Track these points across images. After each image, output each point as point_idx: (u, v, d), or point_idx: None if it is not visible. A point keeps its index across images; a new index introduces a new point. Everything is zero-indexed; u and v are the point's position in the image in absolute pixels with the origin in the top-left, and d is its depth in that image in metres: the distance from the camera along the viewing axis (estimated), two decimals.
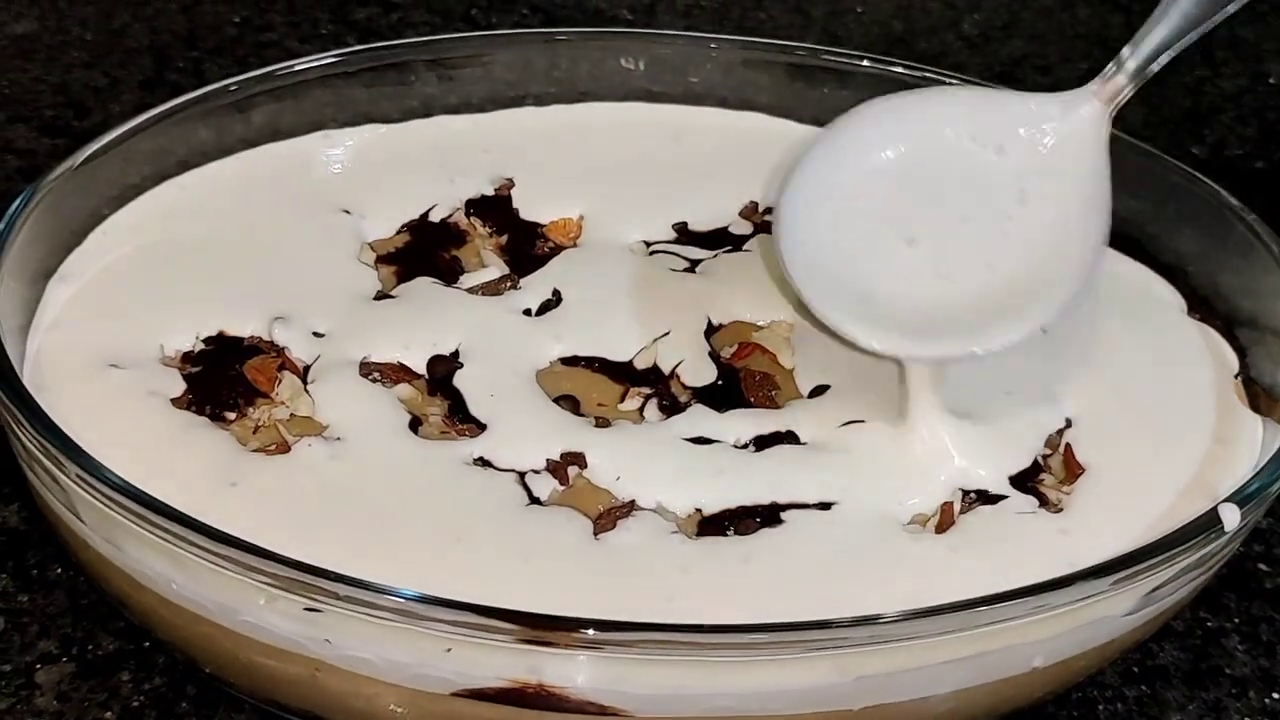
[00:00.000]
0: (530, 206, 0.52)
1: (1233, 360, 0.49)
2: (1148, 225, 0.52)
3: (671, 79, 0.55)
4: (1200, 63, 0.74)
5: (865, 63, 0.56)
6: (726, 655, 0.35)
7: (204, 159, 0.51)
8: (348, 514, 0.40)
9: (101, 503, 0.37)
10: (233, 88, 0.51)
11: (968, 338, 0.43)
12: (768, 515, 0.41)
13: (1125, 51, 0.44)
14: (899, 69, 0.56)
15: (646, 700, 0.36)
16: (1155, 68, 0.44)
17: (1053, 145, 0.45)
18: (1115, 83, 0.45)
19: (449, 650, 0.36)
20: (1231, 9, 0.43)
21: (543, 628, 0.35)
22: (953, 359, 0.43)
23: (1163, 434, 0.45)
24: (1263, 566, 0.49)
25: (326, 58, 0.53)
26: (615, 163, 0.53)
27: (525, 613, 0.35)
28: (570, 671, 0.36)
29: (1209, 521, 0.39)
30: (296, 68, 0.52)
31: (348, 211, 0.50)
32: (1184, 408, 0.46)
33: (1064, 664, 0.40)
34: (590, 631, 0.35)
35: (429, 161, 0.51)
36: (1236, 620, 0.47)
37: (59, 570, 0.45)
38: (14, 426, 0.39)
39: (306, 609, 0.36)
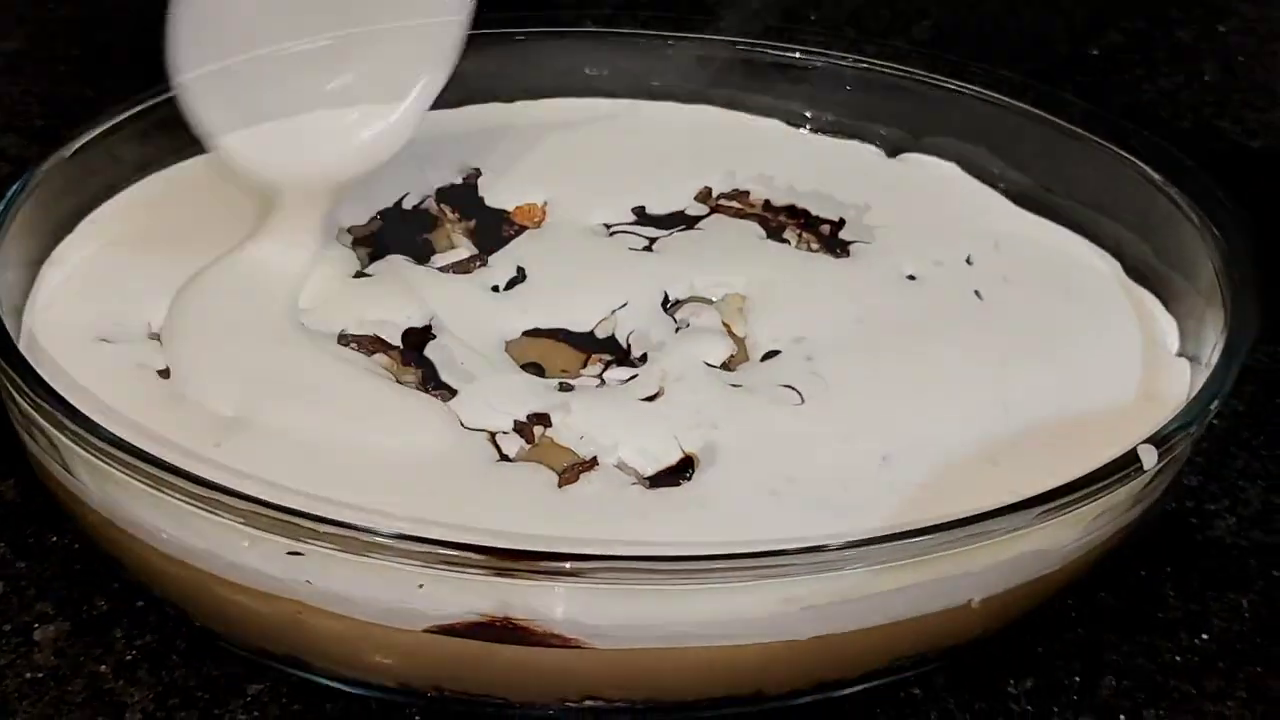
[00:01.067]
0: (497, 195, 0.55)
1: (1166, 323, 0.52)
2: (1084, 203, 0.56)
3: (629, 76, 0.59)
4: (1139, 63, 0.77)
5: (801, 55, 0.59)
6: (678, 582, 0.38)
7: (189, 153, 0.54)
8: (328, 468, 0.43)
9: (96, 457, 0.40)
10: None
11: None
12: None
13: None
14: (845, 63, 0.60)
15: (605, 631, 0.39)
16: None
17: None
18: None
19: (421, 586, 0.38)
20: None
21: (508, 558, 0.37)
22: None
23: (1092, 390, 0.48)
24: (1194, 520, 0.52)
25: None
26: (577, 153, 0.57)
27: (491, 546, 0.37)
28: (534, 605, 0.38)
29: (1129, 459, 0.42)
30: None
31: None
32: (1114, 365, 0.49)
33: (1000, 600, 0.42)
34: (552, 563, 0.37)
35: (401, 155, 0.54)
36: (1169, 569, 0.50)
37: (54, 539, 0.48)
38: (12, 392, 0.42)
39: (290, 553, 0.39)
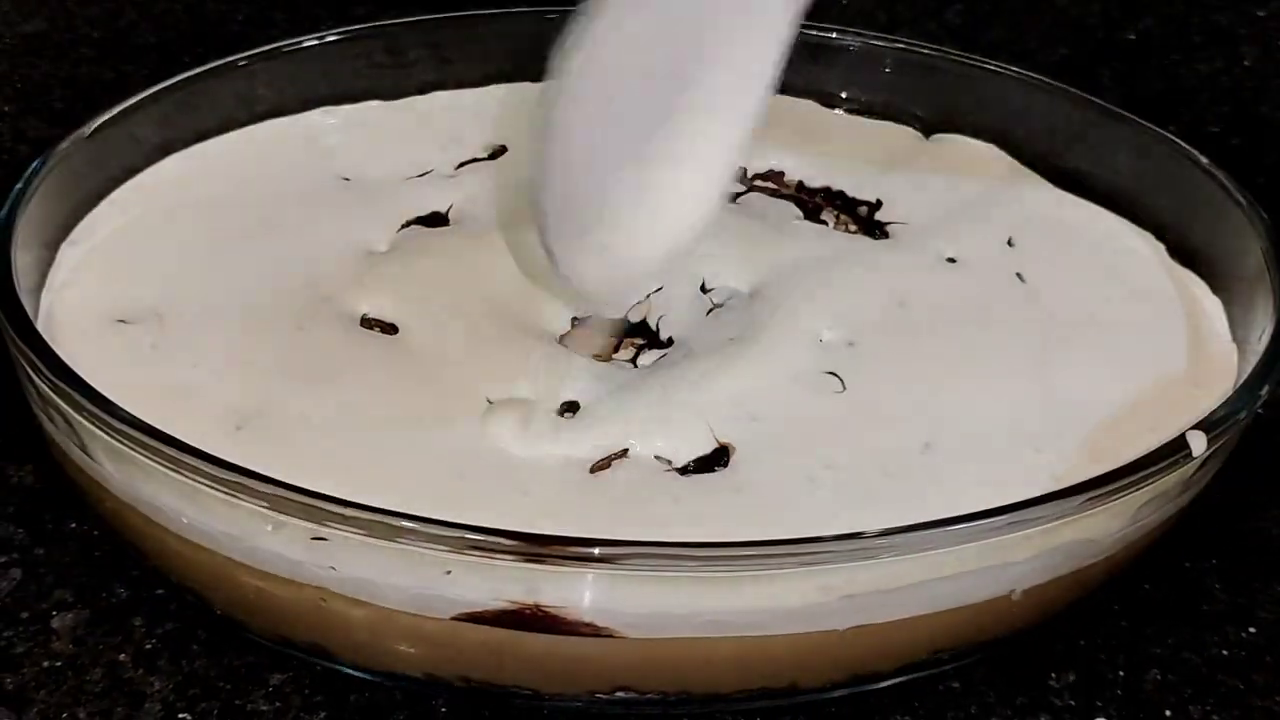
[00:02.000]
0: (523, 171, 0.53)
1: (1212, 307, 0.51)
2: (1124, 185, 0.54)
3: None
4: (1176, 47, 0.76)
5: (837, 35, 0.58)
6: (710, 570, 0.37)
7: (209, 133, 0.53)
8: (353, 452, 0.42)
9: (116, 440, 0.39)
10: (240, 63, 0.53)
11: None
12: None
13: None
14: (879, 42, 0.59)
15: (637, 620, 0.38)
16: None
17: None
18: None
19: (449, 573, 0.37)
20: None
21: (538, 544, 0.36)
22: None
23: (1137, 375, 0.47)
24: (1240, 510, 0.50)
25: (329, 36, 0.55)
26: None
27: (520, 532, 0.36)
28: (565, 592, 0.37)
29: (1178, 446, 0.40)
30: (304, 44, 0.54)
31: (347, 179, 0.52)
32: (1159, 349, 0.48)
33: (1042, 591, 0.41)
34: (582, 549, 0.36)
35: (424, 132, 0.54)
36: (1215, 561, 0.49)
37: (73, 525, 0.47)
38: (31, 374, 0.41)
39: (314, 538, 0.38)
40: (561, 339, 0.47)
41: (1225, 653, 0.45)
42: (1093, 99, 0.56)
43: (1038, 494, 0.39)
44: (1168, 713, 0.43)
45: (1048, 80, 0.57)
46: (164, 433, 0.38)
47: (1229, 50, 0.76)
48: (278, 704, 0.42)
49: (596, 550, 0.36)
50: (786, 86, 0.58)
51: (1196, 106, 0.72)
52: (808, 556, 0.37)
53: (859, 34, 0.59)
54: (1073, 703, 0.44)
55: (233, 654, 0.43)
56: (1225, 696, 0.44)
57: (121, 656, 0.43)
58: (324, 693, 0.42)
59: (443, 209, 0.52)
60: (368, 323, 0.47)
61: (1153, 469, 0.40)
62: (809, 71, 0.59)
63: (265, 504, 0.37)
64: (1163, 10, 0.78)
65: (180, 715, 0.41)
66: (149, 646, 0.43)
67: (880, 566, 0.38)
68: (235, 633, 0.43)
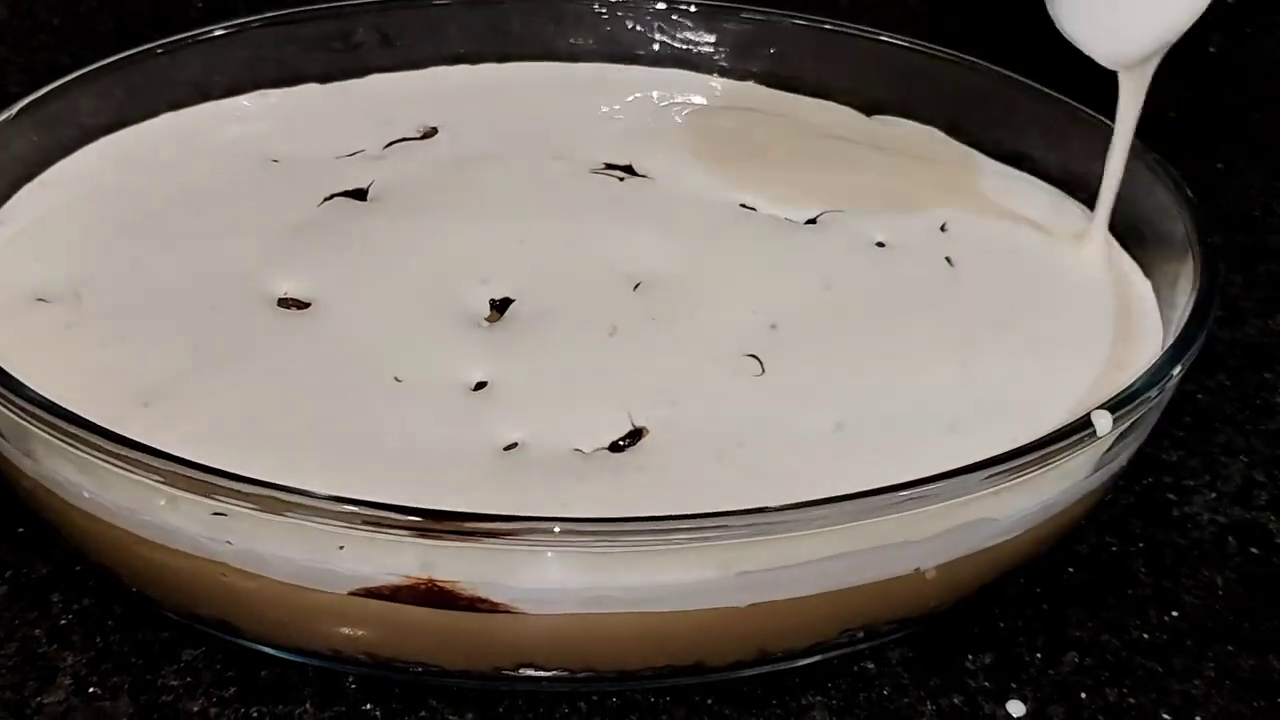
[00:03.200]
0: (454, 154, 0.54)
1: (1144, 288, 0.50)
2: (1061, 168, 0.55)
3: (597, 38, 0.58)
4: None
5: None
6: (601, 546, 0.37)
7: (139, 117, 0.53)
8: (258, 430, 0.42)
9: (18, 416, 0.39)
10: (170, 48, 0.53)
11: None
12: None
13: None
14: (827, 26, 0.59)
15: (532, 595, 0.38)
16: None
17: None
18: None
19: (341, 548, 0.37)
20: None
21: (428, 520, 0.36)
22: None
23: (1061, 357, 0.47)
24: (1171, 495, 0.50)
25: (256, 20, 0.56)
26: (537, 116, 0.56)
27: (409, 506, 0.36)
28: (458, 567, 0.37)
29: (1082, 425, 0.40)
30: (219, 32, 0.55)
31: (276, 161, 0.53)
32: (1085, 332, 0.48)
33: (952, 571, 0.41)
34: (471, 524, 0.36)
35: (359, 114, 0.54)
36: (1141, 545, 0.49)
37: None
38: None
39: (213, 513, 0.38)
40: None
41: (1146, 636, 0.45)
42: (1027, 81, 0.56)
43: (938, 471, 0.39)
44: (1083, 695, 0.43)
45: (983, 63, 0.57)
46: (63, 409, 0.38)
47: (1195, 37, 0.75)
48: (188, 679, 0.42)
49: (486, 525, 0.36)
50: (728, 70, 0.59)
51: (1157, 92, 0.71)
52: (697, 531, 0.37)
53: (808, 18, 0.59)
54: (987, 684, 0.43)
55: (146, 630, 0.43)
56: (1143, 679, 0.44)
57: (36, 631, 0.43)
58: (235, 668, 0.42)
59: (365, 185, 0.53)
60: (285, 302, 0.47)
61: (1053, 447, 0.40)
62: (754, 53, 0.59)
63: (159, 479, 0.37)
64: None
65: (91, 690, 0.42)
66: (64, 622, 0.44)
67: (773, 543, 0.38)
68: (149, 610, 0.43)
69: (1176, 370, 0.42)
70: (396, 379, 0.44)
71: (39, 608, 0.44)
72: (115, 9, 0.74)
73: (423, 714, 0.42)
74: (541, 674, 0.40)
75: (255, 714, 0.41)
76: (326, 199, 0.52)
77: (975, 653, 0.44)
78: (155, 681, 0.42)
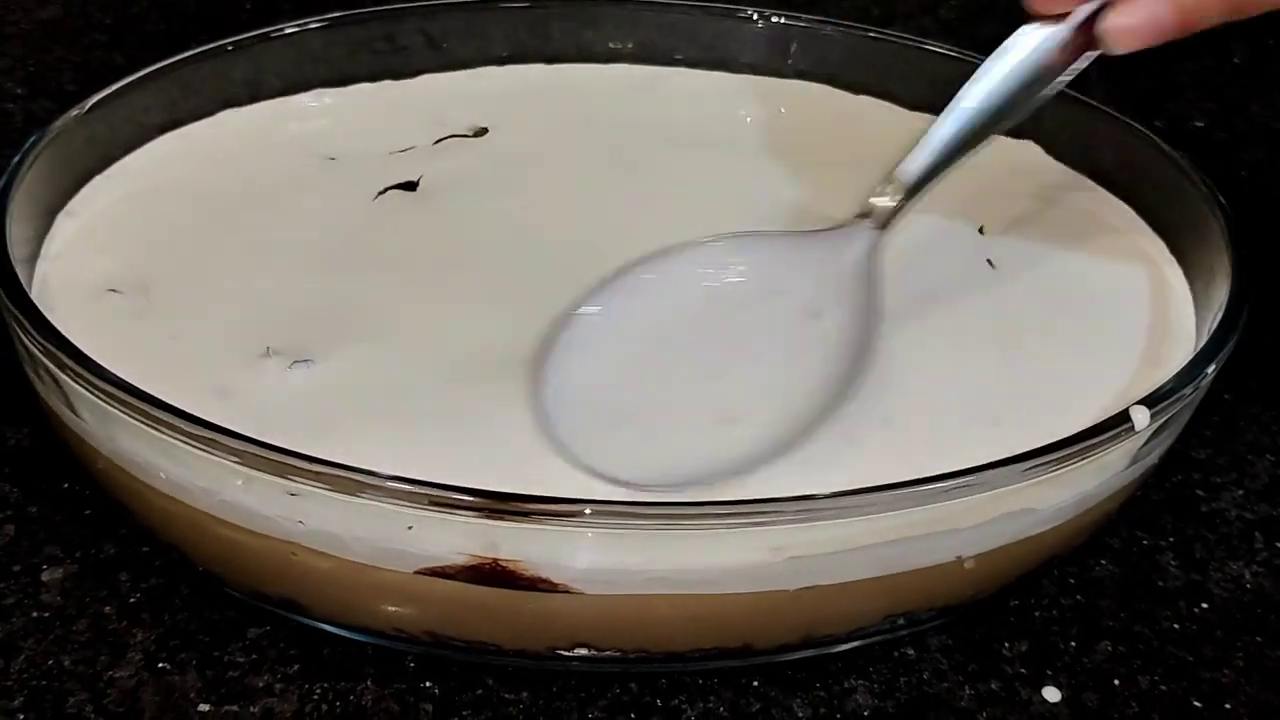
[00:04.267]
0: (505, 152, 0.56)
1: (1180, 286, 0.52)
2: (1099, 174, 0.57)
3: (649, 43, 0.59)
4: (1168, 44, 0.77)
5: (828, 29, 0.60)
6: (662, 529, 0.38)
7: (203, 113, 0.55)
8: (328, 417, 0.44)
9: (99, 398, 0.41)
10: (232, 47, 0.55)
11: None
12: None
13: (887, 190, 0.50)
14: (873, 34, 0.60)
15: (592, 576, 0.39)
16: (921, 191, 0.49)
17: (835, 277, 0.49)
18: (883, 212, 0.50)
19: (410, 528, 0.39)
20: (983, 146, 0.49)
21: (496, 502, 0.38)
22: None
23: (1101, 354, 0.49)
24: (1200, 492, 0.52)
25: (315, 23, 0.58)
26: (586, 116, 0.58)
27: (478, 489, 0.38)
28: (522, 548, 0.39)
29: (1119, 420, 0.42)
30: (293, 30, 0.57)
31: (332, 158, 0.55)
32: (1124, 330, 0.50)
33: (991, 560, 0.43)
34: (539, 505, 0.38)
35: (410, 113, 0.56)
36: (1172, 539, 0.50)
37: (65, 485, 0.49)
38: (22, 336, 0.43)
39: (290, 494, 0.39)
40: None
41: (1177, 627, 0.47)
42: (1069, 92, 0.57)
43: (981, 463, 0.40)
44: (1116, 682, 0.45)
45: None
46: (143, 391, 0.40)
47: (1219, 49, 0.77)
48: (254, 656, 0.44)
49: (553, 507, 0.38)
50: (781, 70, 0.61)
51: (1183, 103, 0.73)
52: (750, 517, 0.38)
53: (840, 24, 0.61)
54: (1023, 671, 0.45)
55: (212, 609, 0.45)
56: (1174, 668, 0.45)
57: (107, 609, 0.45)
58: (298, 646, 0.44)
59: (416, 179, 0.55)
60: (345, 293, 0.49)
61: (1094, 441, 0.41)
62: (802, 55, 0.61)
63: (238, 460, 0.39)
64: None
65: (160, 665, 0.43)
66: (133, 600, 0.45)
67: (825, 529, 0.39)
68: (215, 588, 0.45)
69: (1211, 369, 0.44)
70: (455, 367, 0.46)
71: (108, 586, 0.46)
72: (166, 9, 0.75)
73: (479, 692, 0.43)
74: (595, 654, 0.42)
75: (318, 690, 0.43)
76: (381, 193, 0.53)
77: (1011, 641, 0.46)
78: (222, 658, 0.44)
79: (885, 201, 0.49)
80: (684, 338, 0.47)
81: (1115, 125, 0.57)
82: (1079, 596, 0.48)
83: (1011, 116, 0.48)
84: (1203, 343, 0.47)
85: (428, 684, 0.43)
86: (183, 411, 0.39)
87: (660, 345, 0.47)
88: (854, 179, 0.56)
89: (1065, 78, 0.48)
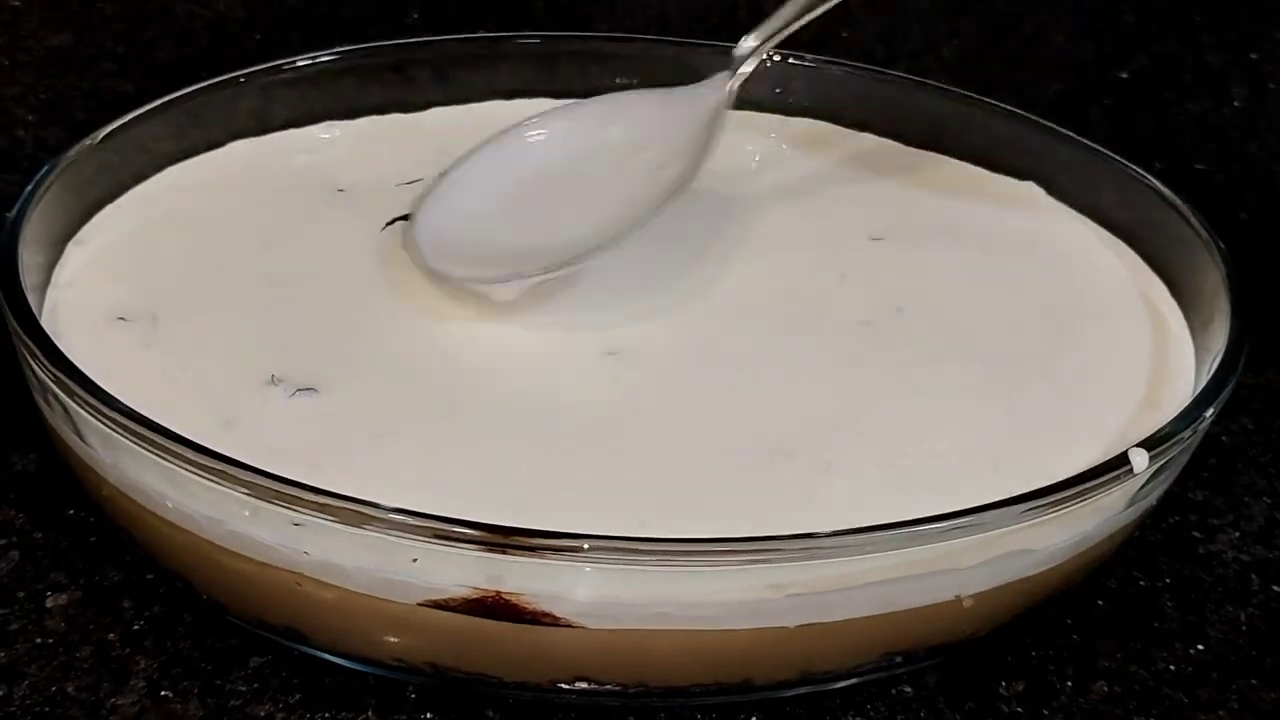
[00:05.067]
0: None
1: (1179, 328, 0.52)
2: (1096, 215, 0.57)
3: (655, 79, 0.60)
4: (1168, 86, 0.77)
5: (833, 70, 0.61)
6: (663, 565, 0.39)
7: (214, 144, 0.56)
8: (331, 447, 0.44)
9: (106, 425, 0.41)
10: (244, 79, 0.56)
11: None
12: None
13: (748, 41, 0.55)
14: (876, 74, 0.61)
15: (593, 610, 0.40)
16: (768, 47, 0.55)
17: (688, 131, 0.54)
18: (739, 58, 0.55)
19: (415, 560, 0.39)
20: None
21: (498, 535, 0.38)
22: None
23: (1100, 398, 0.49)
24: (1197, 534, 0.52)
25: (325, 56, 0.59)
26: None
27: (481, 523, 0.38)
28: (524, 581, 0.39)
29: (1118, 463, 0.42)
30: (299, 64, 0.57)
31: (342, 190, 0.55)
32: (1123, 373, 0.50)
33: (989, 600, 0.43)
34: (540, 540, 0.38)
35: (418, 145, 0.56)
36: (1168, 580, 0.50)
37: (71, 512, 0.49)
38: (31, 363, 0.43)
39: (294, 524, 0.40)
40: None
41: (1173, 668, 0.47)
42: (1071, 135, 0.58)
43: (979, 504, 0.41)
44: None
45: (1003, 106, 0.60)
46: (150, 420, 0.40)
47: (1219, 90, 0.78)
48: (255, 685, 0.44)
49: (555, 542, 0.38)
50: (789, 107, 0.62)
51: (1183, 144, 0.73)
52: (751, 554, 0.39)
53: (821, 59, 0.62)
54: (1020, 710, 0.45)
55: (215, 637, 0.45)
56: (1170, 709, 0.45)
57: (110, 636, 0.45)
58: (300, 676, 0.44)
59: None
60: (353, 322, 0.49)
61: (1093, 483, 0.41)
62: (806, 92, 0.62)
63: (245, 490, 0.39)
64: (1156, 50, 0.80)
65: (163, 693, 0.43)
66: (137, 628, 0.45)
67: (826, 567, 0.39)
68: (218, 617, 0.45)
69: (1209, 412, 0.44)
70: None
71: (112, 613, 0.46)
72: (176, 39, 0.76)
73: None
74: (595, 687, 0.42)
75: None
76: (388, 224, 0.54)
77: (1008, 680, 0.46)
78: (224, 686, 0.44)
79: (745, 47, 0.54)
80: (545, 189, 0.53)
81: (1116, 169, 0.57)
82: (1075, 636, 0.48)
83: None
84: (1202, 386, 0.48)
85: (428, 715, 0.43)
86: (190, 441, 0.40)
87: (520, 196, 0.53)
88: (857, 215, 0.57)
89: None
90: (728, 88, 0.54)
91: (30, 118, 0.70)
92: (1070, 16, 0.81)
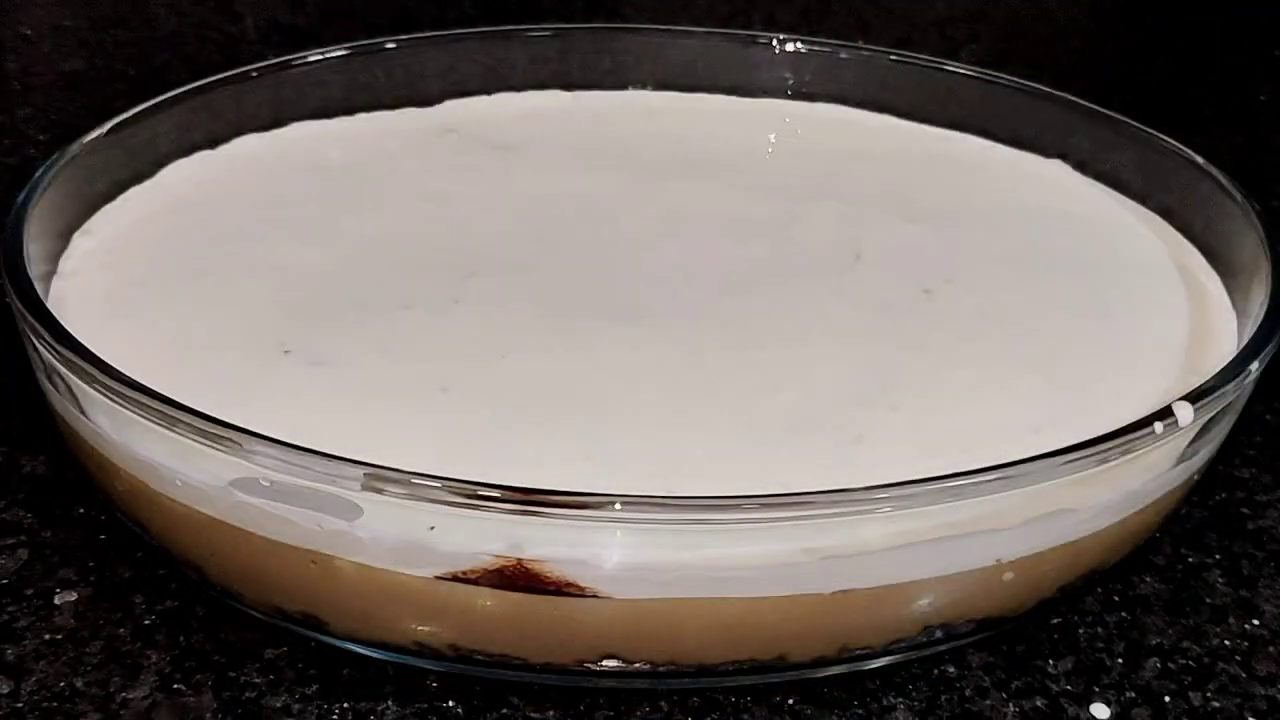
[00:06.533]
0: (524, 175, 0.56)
1: (1218, 292, 0.51)
2: (1132, 186, 0.57)
3: (668, 69, 0.59)
4: (1191, 83, 0.77)
5: (844, 53, 0.60)
6: (689, 524, 0.37)
7: (221, 138, 0.55)
8: (338, 412, 0.43)
9: (111, 398, 0.40)
10: (253, 74, 0.55)
11: None
12: None
13: None
14: (893, 57, 0.61)
15: (619, 576, 0.38)
16: None
17: None
18: None
19: (432, 528, 0.38)
20: None
21: (519, 495, 0.37)
22: None
23: (1141, 362, 0.48)
24: (1245, 510, 0.50)
25: (334, 50, 0.58)
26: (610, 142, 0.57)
27: (500, 484, 0.37)
28: (546, 547, 0.38)
29: (1163, 414, 0.41)
30: (310, 59, 0.57)
31: (351, 181, 0.55)
32: (1162, 339, 0.49)
33: (1030, 568, 0.41)
34: (562, 498, 0.37)
35: (431, 137, 0.55)
36: (1218, 556, 0.48)
37: (80, 510, 0.48)
38: (38, 345, 0.42)
39: (309, 493, 0.38)
40: None
41: (1227, 643, 0.45)
42: (1097, 108, 0.57)
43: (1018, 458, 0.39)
44: (1167, 699, 0.43)
45: (1051, 91, 0.59)
46: (156, 391, 0.39)
47: (1245, 87, 0.77)
48: (271, 677, 0.42)
49: (581, 499, 0.37)
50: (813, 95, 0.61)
51: (1210, 138, 0.72)
52: (782, 510, 0.37)
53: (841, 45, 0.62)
54: (1069, 688, 0.43)
55: (229, 630, 0.44)
56: (1226, 685, 0.44)
57: (121, 631, 0.44)
58: (317, 666, 0.43)
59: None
60: (364, 303, 0.48)
61: (1137, 435, 0.40)
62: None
63: (257, 458, 0.38)
64: (1179, 49, 0.79)
65: (175, 686, 0.42)
66: (148, 622, 0.44)
67: (861, 524, 0.38)
68: (232, 609, 0.44)
69: (1254, 366, 0.43)
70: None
71: (122, 609, 0.44)
72: (187, 61, 0.76)
73: (504, 711, 0.42)
74: (624, 666, 0.40)
75: (337, 711, 0.41)
76: (400, 216, 0.53)
77: (1055, 658, 0.44)
78: (238, 678, 0.42)
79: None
80: None
81: (1144, 139, 0.57)
82: (1123, 613, 0.46)
83: None
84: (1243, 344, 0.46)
85: (450, 703, 0.42)
86: (198, 411, 0.38)
87: None
88: (871, 199, 0.56)
89: None
90: None
91: (42, 137, 0.70)
92: (1089, 19, 0.81)
